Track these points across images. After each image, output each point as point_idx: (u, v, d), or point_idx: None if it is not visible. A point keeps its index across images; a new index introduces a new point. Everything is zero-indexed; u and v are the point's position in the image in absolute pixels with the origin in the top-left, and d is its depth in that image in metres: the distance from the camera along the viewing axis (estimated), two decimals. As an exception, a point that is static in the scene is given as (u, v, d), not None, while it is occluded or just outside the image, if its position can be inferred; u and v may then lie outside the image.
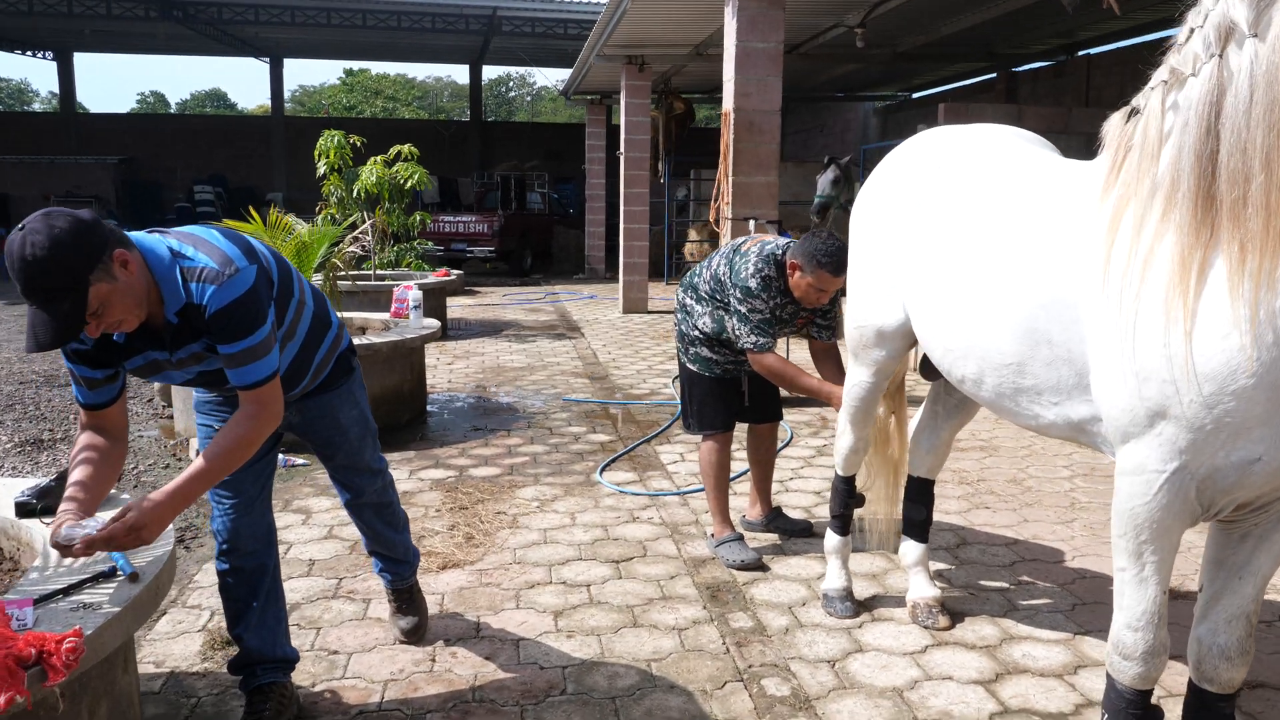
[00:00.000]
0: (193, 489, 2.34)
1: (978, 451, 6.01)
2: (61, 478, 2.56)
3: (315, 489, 5.15)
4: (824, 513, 4.81)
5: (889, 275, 3.06)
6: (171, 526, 2.42)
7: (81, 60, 47.06)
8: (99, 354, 2.39)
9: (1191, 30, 1.87)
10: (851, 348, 3.41)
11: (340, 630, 3.52)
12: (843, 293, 3.66)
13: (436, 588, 3.88)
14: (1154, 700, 2.27)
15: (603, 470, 5.58)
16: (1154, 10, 10.45)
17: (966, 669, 3.26)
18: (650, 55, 12.83)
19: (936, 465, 3.65)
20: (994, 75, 14.88)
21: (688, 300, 4.25)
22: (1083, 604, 3.79)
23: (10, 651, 1.77)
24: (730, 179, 7.05)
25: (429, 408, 7.24)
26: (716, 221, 7.58)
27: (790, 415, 6.48)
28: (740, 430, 4.49)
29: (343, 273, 7.96)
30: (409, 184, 11.21)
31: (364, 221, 9.72)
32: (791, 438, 6.30)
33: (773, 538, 4.50)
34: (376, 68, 52.72)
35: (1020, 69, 14.54)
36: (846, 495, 3.71)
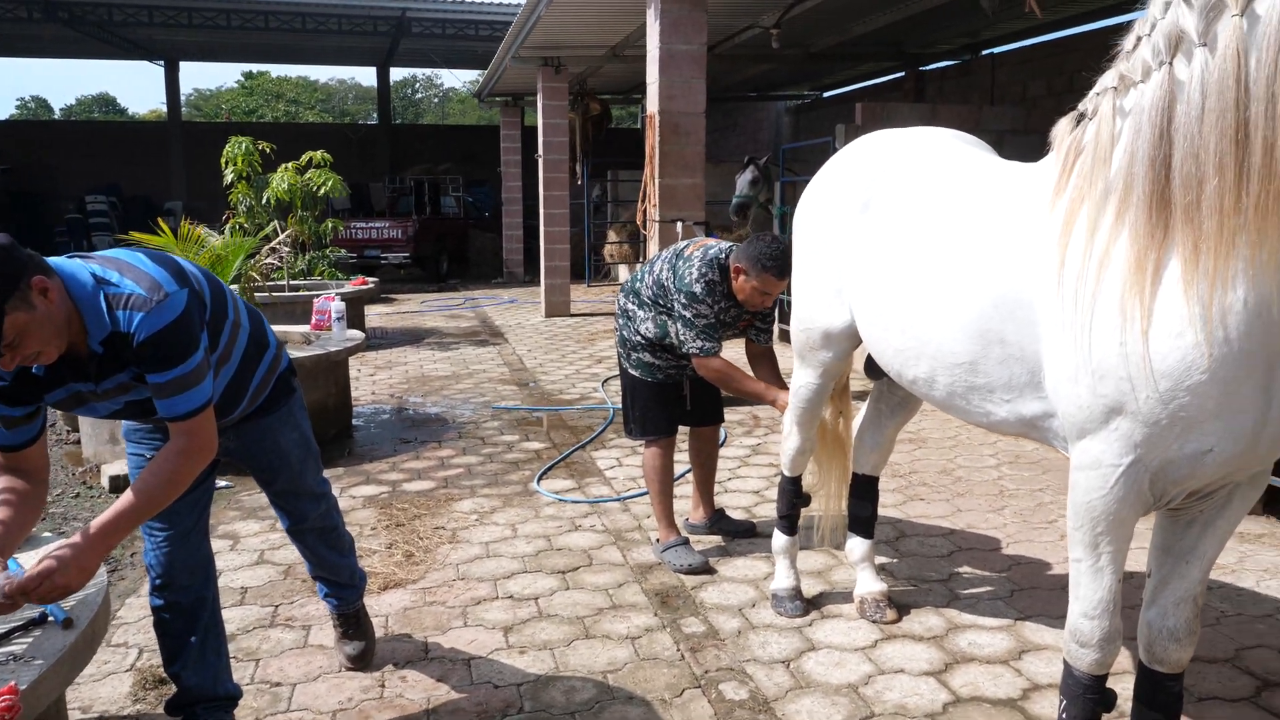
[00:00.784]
0: (119, 527, 2.20)
1: (908, 444, 6.13)
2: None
3: (241, 512, 4.97)
4: (765, 512, 4.85)
5: (835, 278, 3.08)
6: (103, 567, 2.28)
7: (-43, 65, 44.54)
8: (17, 389, 2.24)
9: (1139, 38, 1.92)
10: (797, 350, 3.43)
11: (281, 660, 3.39)
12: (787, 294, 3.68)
13: (380, 609, 3.78)
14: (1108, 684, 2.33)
15: (540, 479, 5.52)
16: (1055, 11, 10.84)
17: (917, 660, 3.31)
18: (567, 57, 12.76)
19: (881, 462, 3.70)
20: (903, 74, 15.22)
21: (629, 305, 4.23)
22: (1020, 589, 3.90)
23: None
24: (656, 181, 7.05)
25: (354, 421, 7.06)
26: (643, 224, 7.57)
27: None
28: (681, 433, 4.48)
29: (259, 284, 7.69)
30: (323, 191, 10.90)
31: (277, 232, 9.41)
32: (726, 438, 6.32)
33: (717, 540, 4.51)
34: (277, 70, 51.25)
35: (928, 68, 14.92)
36: (793, 495, 3.73)
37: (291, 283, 11.11)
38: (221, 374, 2.54)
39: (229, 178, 10.18)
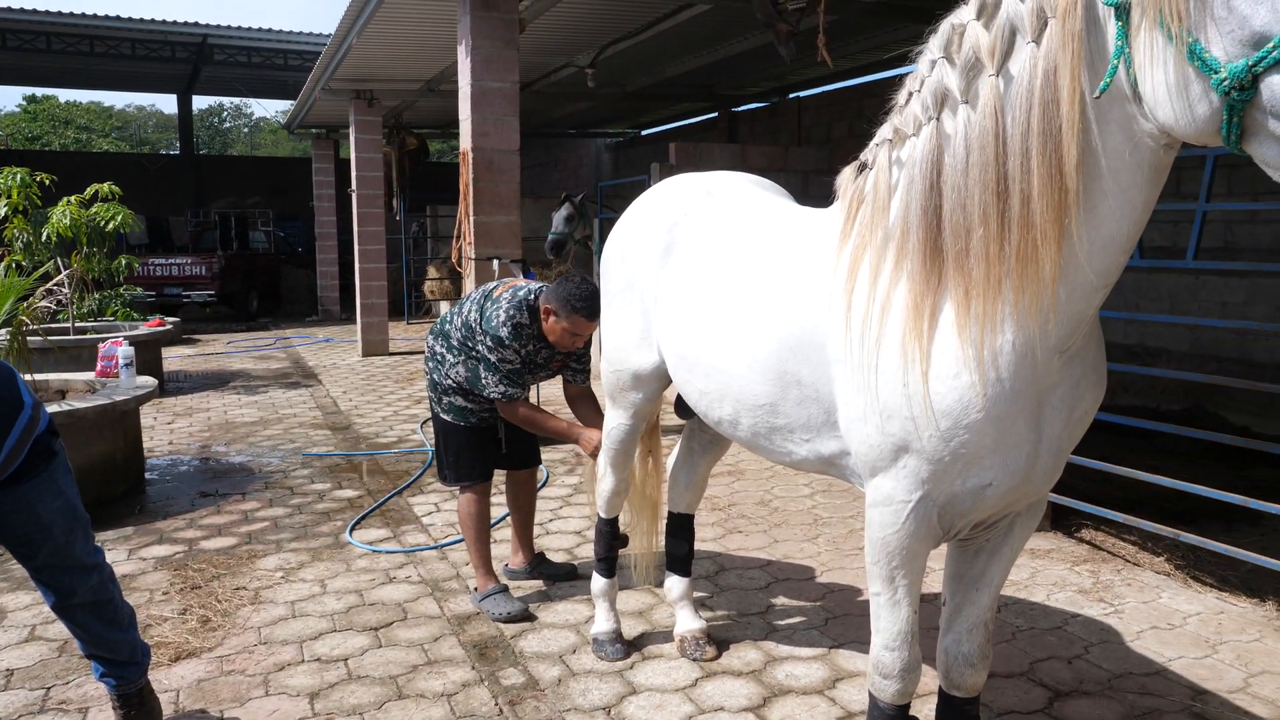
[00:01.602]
0: None
1: (726, 476, 6.25)
2: None
3: (11, 583, 4.47)
4: (586, 553, 4.80)
5: (642, 320, 3.10)
6: None
7: None
8: None
9: (910, 94, 2.03)
10: (608, 391, 3.42)
11: (50, 751, 3.04)
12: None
13: (169, 683, 3.47)
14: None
15: (352, 529, 5.26)
16: (853, 58, 11.53)
17: (736, 697, 3.34)
18: (380, 90, 12.47)
19: (695, 500, 3.74)
20: (716, 114, 15.79)
21: (438, 348, 4.10)
22: (834, 618, 4.01)
23: None
24: (471, 218, 6.94)
25: (148, 475, 6.53)
26: (459, 261, 7.44)
27: (544, 454, 6.44)
28: (499, 477, 4.38)
29: (32, 329, 7.02)
30: (111, 226, 10.12)
31: (58, 270, 8.65)
32: (547, 478, 6.26)
33: (538, 584, 4.42)
34: (65, 95, 47.55)
35: (739, 109, 15.53)
36: (610, 537, 3.71)
37: (78, 324, 10.25)
38: None
39: (2, 211, 9.30)
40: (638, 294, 3.10)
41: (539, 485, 5.95)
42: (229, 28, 17.36)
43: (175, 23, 16.80)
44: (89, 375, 6.81)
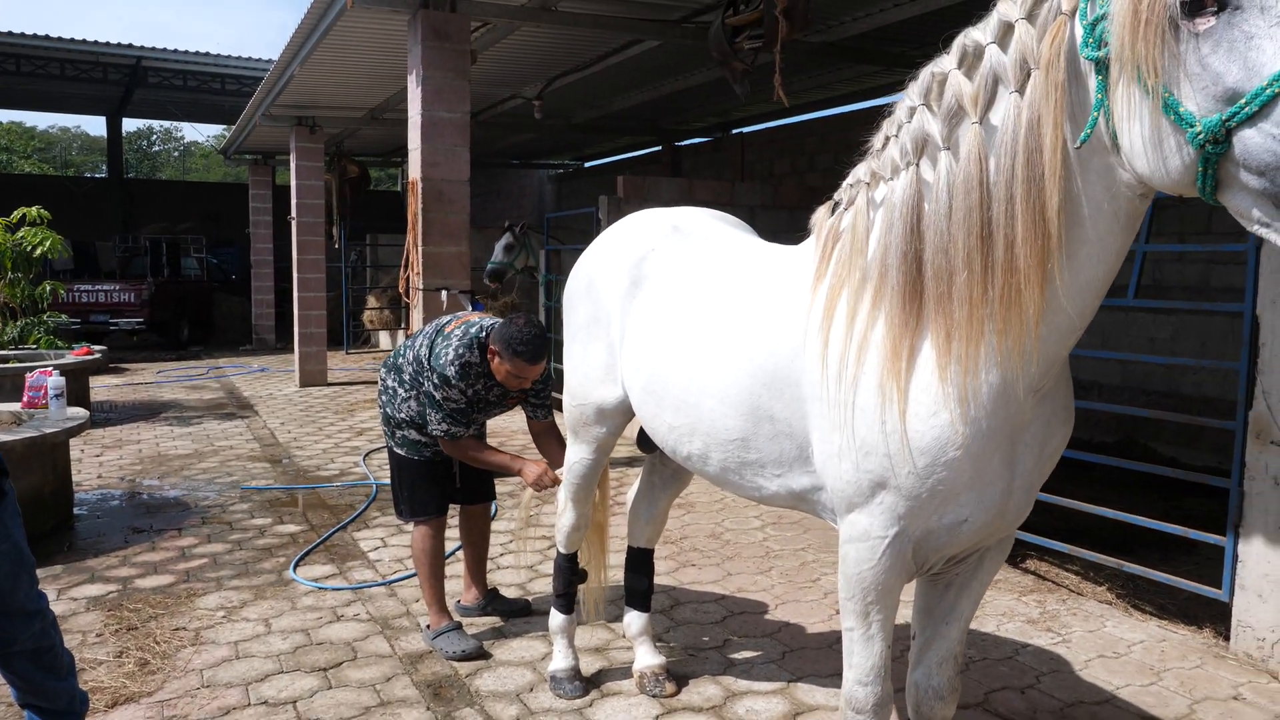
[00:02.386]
0: None
1: (678, 510, 6.24)
2: None
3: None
4: (540, 588, 4.74)
5: (607, 354, 3.09)
6: None
7: None
8: None
9: (888, 138, 2.07)
10: (570, 425, 3.40)
11: (-21, 806, 2.88)
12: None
13: (106, 731, 3.32)
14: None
15: (296, 565, 5.12)
16: (797, 96, 11.76)
17: (698, 735, 3.31)
18: (322, 117, 12.33)
19: (655, 534, 3.72)
20: (660, 148, 15.96)
21: (390, 382, 4.04)
22: (790, 650, 4.02)
23: None
24: (420, 249, 6.87)
25: (76, 510, 6.28)
26: (406, 291, 7.35)
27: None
28: (452, 511, 4.31)
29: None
30: (39, 252, 9.79)
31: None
32: (496, 511, 6.17)
33: (492, 621, 4.35)
34: (-15, 115, 45.98)
35: (683, 143, 15.72)
36: (569, 573, 3.67)
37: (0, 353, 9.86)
38: None
39: (-82, 235, 8.94)
40: (603, 328, 3.09)
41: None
42: (165, 50, 16.99)
43: (109, 44, 16.37)
44: (14, 406, 6.54)
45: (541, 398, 4.03)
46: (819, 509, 2.39)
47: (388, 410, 4.06)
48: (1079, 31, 1.68)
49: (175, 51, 17.12)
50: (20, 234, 9.82)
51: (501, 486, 6.68)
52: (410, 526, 4.22)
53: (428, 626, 4.10)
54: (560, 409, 3.64)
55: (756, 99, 10.68)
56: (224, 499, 6.63)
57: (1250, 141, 1.46)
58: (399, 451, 4.06)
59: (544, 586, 4.74)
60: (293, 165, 12.68)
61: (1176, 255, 8.11)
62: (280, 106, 11.49)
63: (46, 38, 16.18)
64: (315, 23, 7.91)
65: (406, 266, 7.27)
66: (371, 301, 17.03)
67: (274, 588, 4.80)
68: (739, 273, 2.64)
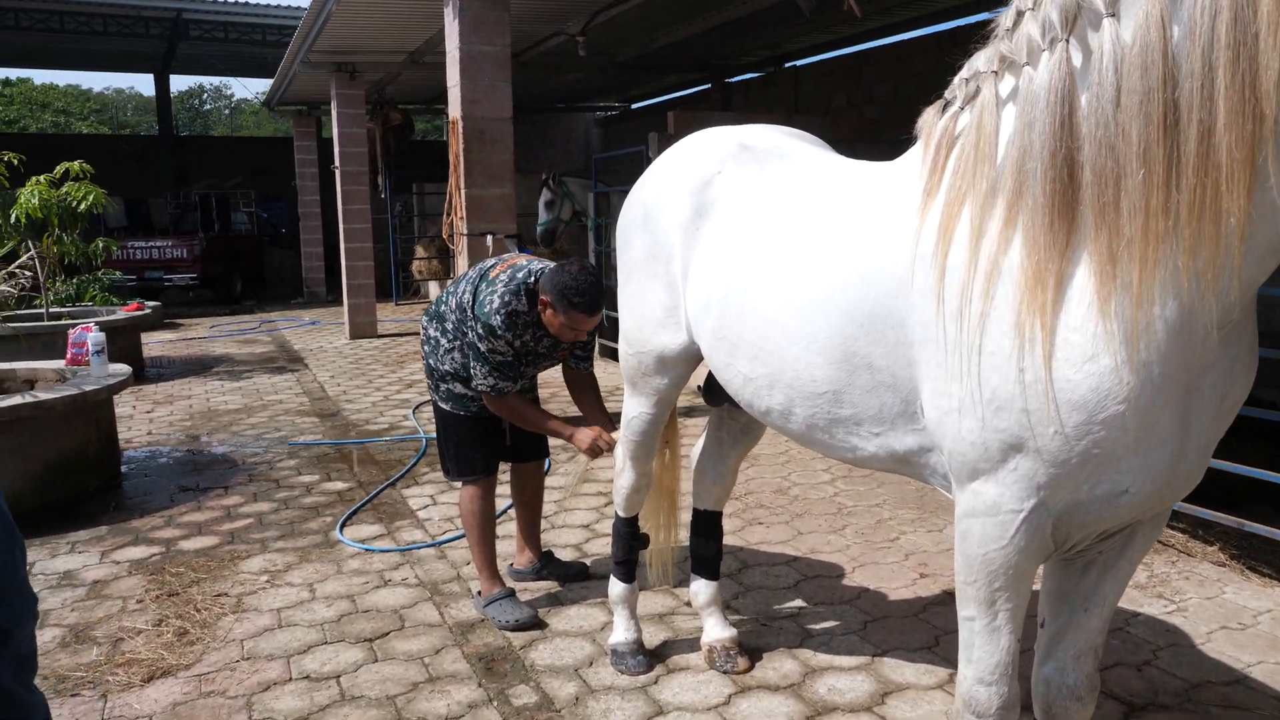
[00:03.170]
0: None
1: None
2: None
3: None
4: (597, 549, 4.46)
5: (668, 295, 2.72)
6: None
7: None
8: None
9: (1020, 13, 1.64)
10: (628, 376, 3.05)
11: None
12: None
13: (141, 708, 3.11)
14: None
15: (343, 526, 4.89)
16: (853, 25, 11.10)
17: (776, 716, 2.99)
18: (361, 63, 11.96)
19: (723, 496, 3.38)
20: (709, 86, 15.32)
21: (433, 331, 3.73)
22: (873, 620, 3.67)
23: None
24: (463, 192, 6.53)
25: (124, 469, 6.14)
26: (450, 238, 7.03)
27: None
28: (503, 469, 4.02)
29: (-1, 315, 6.61)
30: (83, 206, 9.64)
31: (25, 251, 8.20)
32: (549, 466, 5.88)
33: (547, 586, 4.07)
34: (41, 77, 46.55)
35: (733, 79, 15.07)
36: (630, 539, 3.35)
37: (53, 310, 9.81)
38: None
39: (-36, 193, 8.83)
40: (663, 265, 2.71)
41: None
42: (204, 1, 16.73)
43: (149, -4, 16.18)
44: (59, 364, 6.40)
45: (587, 349, 3.69)
46: (928, 474, 2.01)
47: (430, 362, 3.76)
48: None
49: (215, 2, 16.84)
50: (64, 189, 9.67)
51: (556, 440, 6.39)
52: (458, 485, 3.94)
53: (478, 593, 3.84)
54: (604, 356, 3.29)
55: (810, 26, 10.06)
56: (272, 455, 6.44)
57: None
58: (444, 406, 3.76)
59: (601, 548, 4.45)
60: (334, 113, 12.38)
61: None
62: (319, 52, 11.15)
63: (87, -7, 16.01)
64: (349, -43, 7.53)
65: (449, 212, 6.94)
66: (420, 251, 16.78)
67: (319, 550, 4.58)
68: (824, 194, 2.23)
